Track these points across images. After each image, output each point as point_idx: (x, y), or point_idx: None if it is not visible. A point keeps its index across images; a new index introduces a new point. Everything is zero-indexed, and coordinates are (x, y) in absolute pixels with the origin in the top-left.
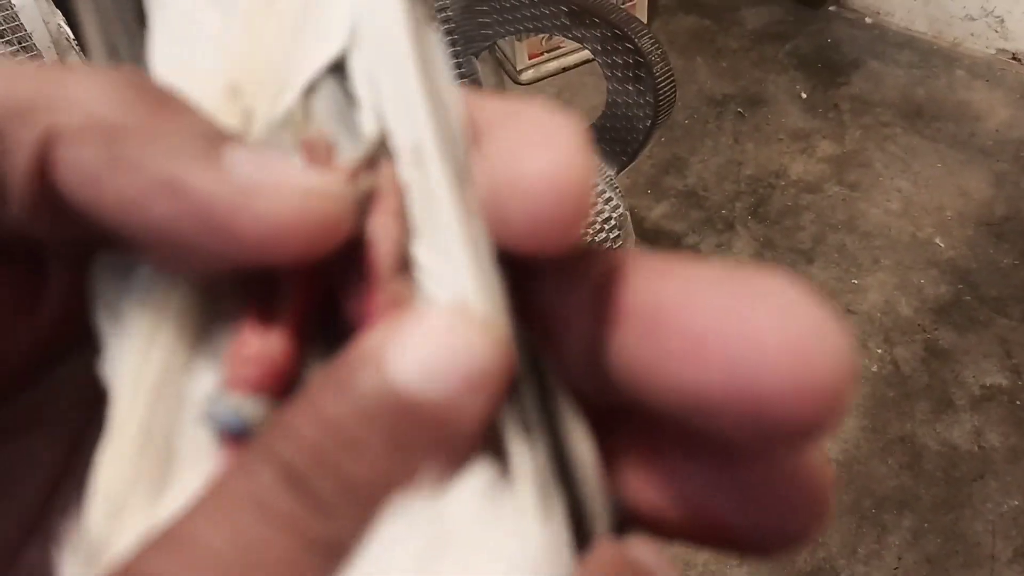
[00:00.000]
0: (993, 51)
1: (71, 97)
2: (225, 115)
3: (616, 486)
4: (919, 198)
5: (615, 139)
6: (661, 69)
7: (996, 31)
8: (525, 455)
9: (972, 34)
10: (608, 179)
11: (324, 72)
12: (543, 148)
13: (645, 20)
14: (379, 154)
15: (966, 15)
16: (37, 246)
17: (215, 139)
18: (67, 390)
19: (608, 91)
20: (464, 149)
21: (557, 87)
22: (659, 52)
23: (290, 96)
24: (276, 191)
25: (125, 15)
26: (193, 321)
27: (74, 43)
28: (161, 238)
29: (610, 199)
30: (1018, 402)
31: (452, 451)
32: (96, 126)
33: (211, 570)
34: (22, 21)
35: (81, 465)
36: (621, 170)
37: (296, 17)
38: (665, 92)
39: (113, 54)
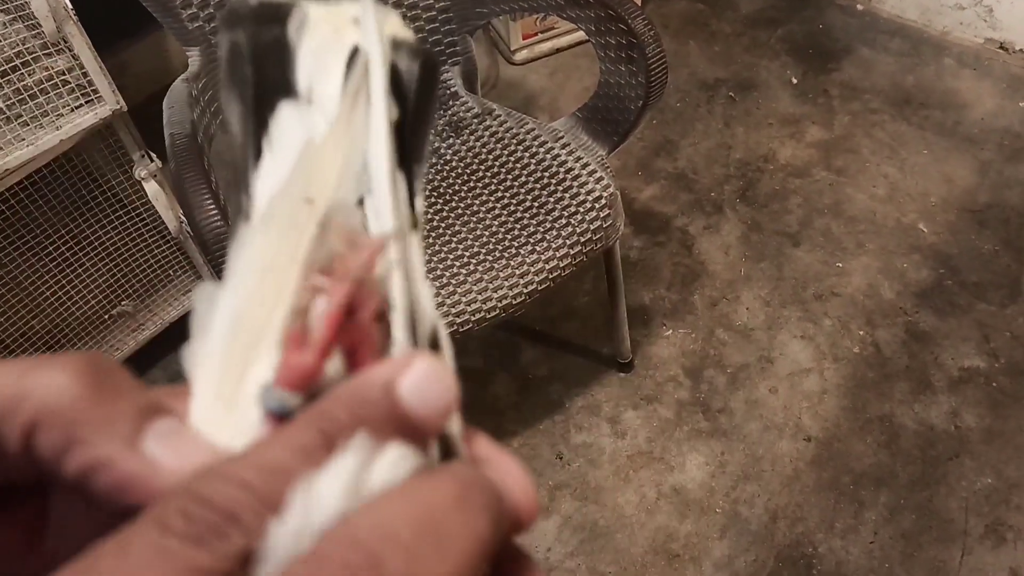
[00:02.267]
0: (981, 40)
1: (41, 391)
2: (303, 212)
3: None
4: (904, 184)
5: (607, 119)
6: (653, 50)
7: (985, 20)
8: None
9: (961, 23)
10: (599, 159)
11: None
12: (520, 482)
13: (639, 3)
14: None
15: (956, 4)
16: (42, 492)
17: (142, 419)
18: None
19: (601, 71)
20: (418, 266)
21: (551, 68)
22: (652, 33)
23: (345, 203)
24: (174, 474)
25: (250, 149)
26: (256, 333)
27: (72, 12)
28: (96, 491)
29: (601, 179)
30: (994, 384)
31: (418, 438)
32: (60, 416)
33: (274, 470)
34: None
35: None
36: (612, 150)
37: (344, 160)
38: (657, 73)
39: (234, 180)
